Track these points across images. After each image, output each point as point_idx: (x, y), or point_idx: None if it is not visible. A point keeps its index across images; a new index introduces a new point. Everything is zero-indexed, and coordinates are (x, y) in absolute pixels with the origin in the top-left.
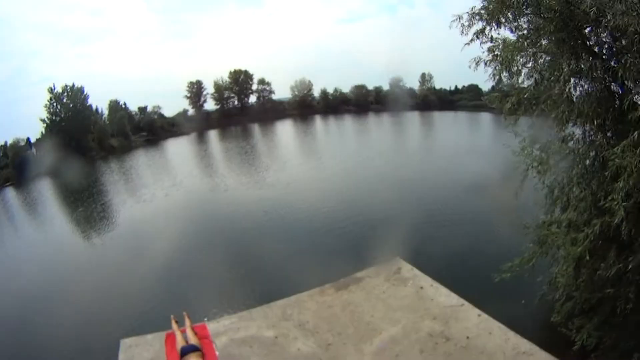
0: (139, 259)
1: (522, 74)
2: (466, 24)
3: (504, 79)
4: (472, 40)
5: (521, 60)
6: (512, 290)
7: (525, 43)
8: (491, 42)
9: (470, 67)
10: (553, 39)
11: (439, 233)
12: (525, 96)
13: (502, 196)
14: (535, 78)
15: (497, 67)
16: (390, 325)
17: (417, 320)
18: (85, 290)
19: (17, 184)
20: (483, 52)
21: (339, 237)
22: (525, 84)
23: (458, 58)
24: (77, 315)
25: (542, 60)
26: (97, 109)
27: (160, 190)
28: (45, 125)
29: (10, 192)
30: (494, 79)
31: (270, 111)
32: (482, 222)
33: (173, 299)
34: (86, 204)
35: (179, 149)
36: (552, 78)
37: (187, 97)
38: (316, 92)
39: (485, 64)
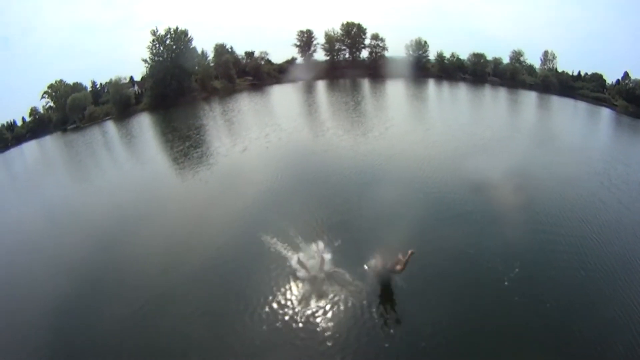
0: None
1: None
2: None
3: None
4: None
5: None
6: None
7: None
8: None
9: None
10: None
11: None
12: None
13: None
14: None
15: None
16: None
17: None
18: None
19: (117, 119)
20: None
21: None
22: None
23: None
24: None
25: None
26: (202, 52)
27: (241, 143)
28: (147, 65)
29: (110, 125)
30: None
31: (382, 68)
32: None
33: None
34: (169, 144)
35: (282, 96)
36: None
37: (297, 46)
38: (431, 55)
39: None
